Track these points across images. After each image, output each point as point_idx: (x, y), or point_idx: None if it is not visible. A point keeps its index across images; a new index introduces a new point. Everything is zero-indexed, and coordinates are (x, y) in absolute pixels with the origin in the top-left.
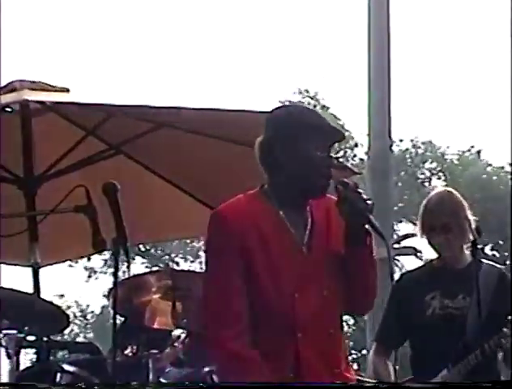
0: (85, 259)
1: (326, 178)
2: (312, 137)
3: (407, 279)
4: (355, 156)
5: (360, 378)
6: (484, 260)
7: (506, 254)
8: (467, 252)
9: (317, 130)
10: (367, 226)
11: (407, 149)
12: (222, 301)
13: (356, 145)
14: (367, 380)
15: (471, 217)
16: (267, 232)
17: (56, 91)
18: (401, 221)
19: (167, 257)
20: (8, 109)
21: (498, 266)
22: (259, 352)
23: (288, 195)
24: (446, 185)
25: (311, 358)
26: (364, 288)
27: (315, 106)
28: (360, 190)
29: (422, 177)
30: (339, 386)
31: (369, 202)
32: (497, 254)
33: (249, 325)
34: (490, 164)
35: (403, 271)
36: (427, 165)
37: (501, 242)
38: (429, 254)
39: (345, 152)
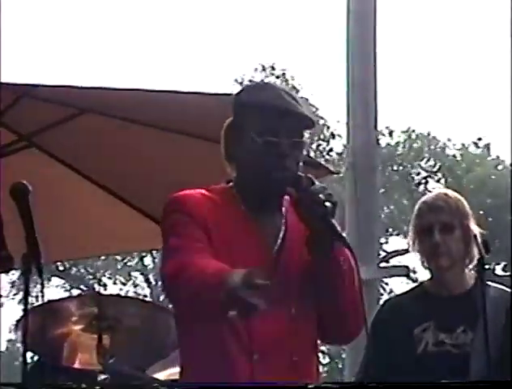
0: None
1: (282, 170)
2: (265, 121)
3: (391, 306)
4: (331, 150)
5: None
6: (491, 283)
7: None
8: (470, 273)
9: (271, 114)
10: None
11: (397, 143)
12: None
13: (332, 136)
14: None
15: (477, 229)
16: (232, 234)
17: None
18: (390, 233)
19: (91, 277)
20: None
21: (507, 289)
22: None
23: (251, 193)
24: (447, 188)
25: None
26: (337, 312)
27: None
28: (316, 189)
29: (417, 177)
30: (340, 387)
31: (328, 203)
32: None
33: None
34: (501, 162)
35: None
36: (423, 163)
37: None
38: (425, 275)
39: (318, 145)
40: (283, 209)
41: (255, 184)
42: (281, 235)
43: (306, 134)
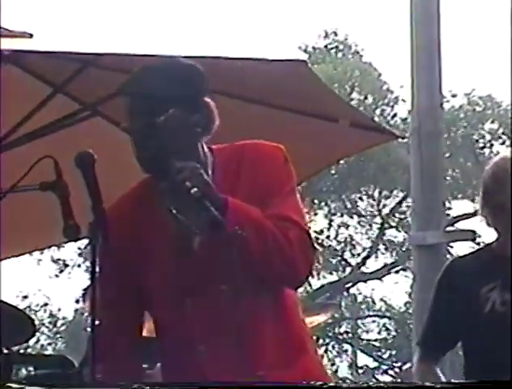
0: (54, 250)
1: (143, 151)
2: (125, 106)
3: (458, 266)
4: (395, 115)
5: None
6: None
7: None
8: None
9: (126, 97)
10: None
11: (461, 106)
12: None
13: (396, 101)
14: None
15: None
16: (146, 226)
17: (15, 36)
18: (455, 197)
19: None
20: None
21: None
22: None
23: (152, 181)
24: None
25: (221, 371)
26: (268, 267)
27: (344, 54)
28: (182, 176)
29: (481, 140)
30: (340, 387)
31: (194, 190)
32: None
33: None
34: None
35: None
36: (486, 126)
37: None
38: (491, 238)
39: (382, 111)
40: (196, 191)
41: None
42: (198, 217)
43: (173, 109)
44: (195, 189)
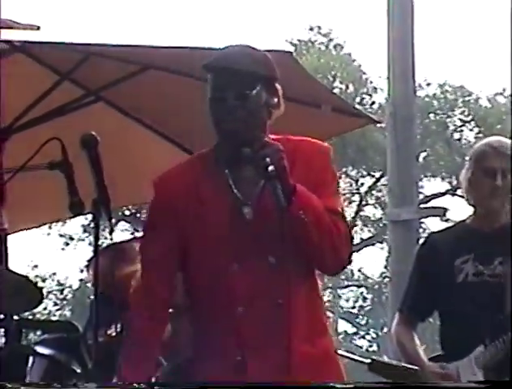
0: (60, 224)
1: (232, 122)
2: (211, 80)
3: (434, 240)
4: (373, 102)
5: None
6: None
7: None
8: (506, 209)
9: (211, 72)
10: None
11: (434, 94)
12: (146, 281)
13: (374, 90)
14: (344, 354)
15: None
16: (206, 195)
17: (25, 29)
18: (426, 177)
19: None
20: None
21: None
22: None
23: (226, 149)
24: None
25: (256, 335)
26: (318, 252)
27: (327, 46)
28: (264, 152)
29: (452, 126)
30: (340, 386)
31: (271, 167)
32: None
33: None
34: None
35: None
36: (457, 113)
37: None
38: (461, 216)
39: (362, 98)
40: (273, 169)
41: (220, 140)
42: (258, 189)
43: (258, 87)
44: (272, 168)
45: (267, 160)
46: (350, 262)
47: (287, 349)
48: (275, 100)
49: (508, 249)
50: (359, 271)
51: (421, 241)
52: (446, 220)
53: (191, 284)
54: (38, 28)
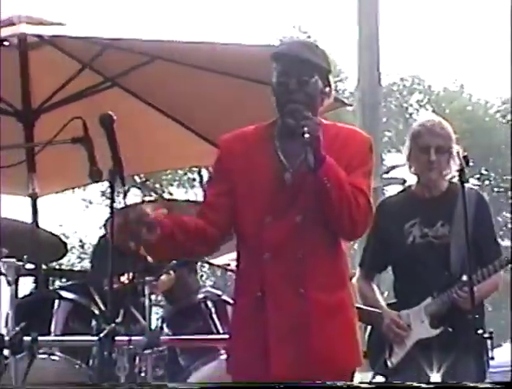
0: (82, 190)
1: (293, 102)
2: (276, 67)
3: (387, 205)
4: (345, 90)
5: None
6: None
7: (491, 182)
8: (445, 178)
9: (277, 60)
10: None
11: (394, 82)
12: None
13: (346, 79)
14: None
15: (457, 147)
16: (257, 159)
17: (52, 24)
18: (389, 151)
19: (160, 187)
20: (6, 43)
21: (475, 188)
22: (239, 273)
23: (280, 125)
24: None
25: (277, 279)
26: (336, 217)
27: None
28: (306, 123)
29: (410, 108)
30: (340, 386)
31: (307, 135)
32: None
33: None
34: (472, 97)
35: None
36: (414, 97)
37: (484, 172)
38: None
39: (336, 86)
40: (309, 136)
41: (280, 117)
42: (300, 160)
43: (316, 76)
44: (308, 135)
45: (305, 129)
46: (364, 232)
47: (302, 296)
48: (327, 89)
49: (448, 213)
50: None
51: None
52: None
53: (235, 229)
54: (63, 24)
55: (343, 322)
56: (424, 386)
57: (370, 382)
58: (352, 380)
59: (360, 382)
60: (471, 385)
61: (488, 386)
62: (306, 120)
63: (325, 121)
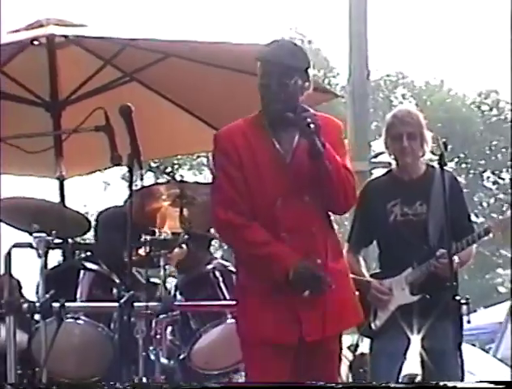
0: (104, 173)
1: (277, 103)
2: (260, 69)
3: (371, 186)
4: (337, 84)
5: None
6: (436, 167)
7: (467, 165)
8: (422, 162)
9: (261, 63)
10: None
11: (381, 78)
12: (221, 193)
13: (338, 74)
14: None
15: (429, 134)
16: (256, 148)
17: (76, 26)
18: (377, 139)
19: (172, 170)
20: (36, 42)
21: (448, 170)
22: None
23: (269, 119)
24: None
25: (296, 254)
26: (335, 195)
27: (302, 41)
28: (305, 114)
29: (395, 101)
30: (339, 386)
31: (312, 125)
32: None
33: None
34: (451, 91)
35: None
36: (399, 91)
37: (461, 155)
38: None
39: (329, 81)
40: (314, 126)
41: (267, 113)
42: (294, 146)
43: (296, 77)
44: (313, 125)
45: (308, 119)
46: (353, 205)
47: (321, 265)
48: (307, 84)
49: (425, 193)
50: None
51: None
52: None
53: (251, 210)
54: (85, 26)
55: (349, 284)
56: (427, 385)
57: (371, 382)
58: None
59: (361, 383)
60: (472, 385)
61: (489, 386)
62: (306, 112)
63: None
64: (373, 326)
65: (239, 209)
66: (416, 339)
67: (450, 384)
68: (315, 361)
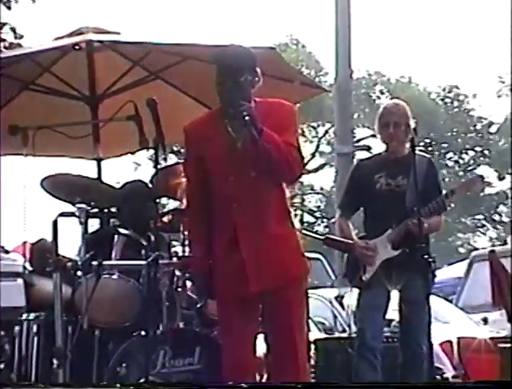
0: (134, 155)
1: (229, 97)
2: (216, 69)
3: (362, 163)
4: (326, 81)
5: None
6: (417, 152)
7: (432, 148)
8: (406, 146)
9: (217, 64)
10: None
11: (363, 77)
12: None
13: (326, 74)
14: (307, 233)
15: (412, 122)
16: (215, 136)
17: (110, 33)
18: (358, 127)
19: None
20: (77, 47)
21: (427, 155)
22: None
23: (226, 110)
24: (391, 100)
25: (245, 221)
26: (279, 168)
27: (296, 45)
28: (242, 108)
29: (373, 96)
30: (339, 386)
31: (247, 117)
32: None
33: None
34: (418, 86)
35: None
36: (377, 88)
37: (428, 140)
38: (377, 150)
39: (320, 79)
40: (248, 118)
41: (223, 107)
42: (244, 133)
43: (246, 74)
44: (248, 117)
45: (244, 113)
46: (300, 176)
47: (265, 229)
48: (256, 79)
49: (406, 170)
50: (320, 188)
51: (354, 164)
52: (371, 153)
53: (208, 189)
54: (119, 33)
55: (291, 244)
56: (424, 386)
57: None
58: (303, 285)
59: (361, 383)
60: (472, 385)
61: (490, 385)
62: (242, 107)
63: (259, 99)
64: (363, 278)
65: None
66: (395, 290)
67: (449, 383)
68: (273, 311)
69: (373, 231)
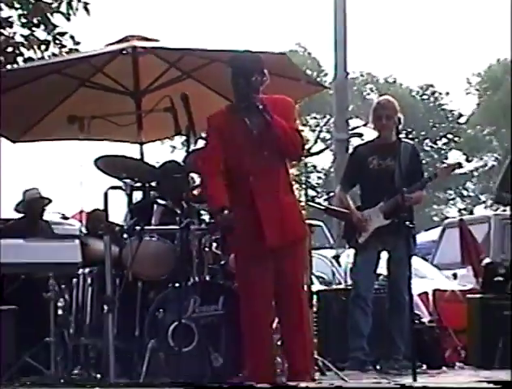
0: (171, 140)
1: (244, 98)
2: (231, 71)
3: (358, 148)
4: (326, 80)
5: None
6: (403, 139)
7: (411, 136)
8: (393, 134)
9: (231, 66)
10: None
11: (356, 77)
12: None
13: (325, 75)
14: (311, 204)
15: (400, 115)
16: (233, 125)
17: (151, 40)
18: (352, 118)
19: None
20: (124, 52)
21: (411, 142)
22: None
23: (241, 104)
24: (380, 97)
25: (260, 190)
26: (286, 147)
27: (304, 52)
28: (253, 100)
29: (364, 93)
30: (339, 386)
31: (261, 106)
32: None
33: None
34: (401, 86)
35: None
36: (368, 86)
37: (409, 129)
38: (369, 137)
39: (321, 79)
40: (261, 108)
41: (238, 101)
42: (259, 120)
43: (255, 74)
44: (260, 106)
45: (257, 103)
46: (302, 156)
47: (275, 197)
48: (264, 78)
49: (394, 153)
50: (319, 168)
51: (351, 149)
52: (363, 139)
53: (228, 166)
54: (158, 40)
55: (296, 211)
56: (428, 385)
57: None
58: (306, 245)
59: (361, 383)
60: (472, 385)
61: (489, 385)
62: (255, 99)
63: (265, 95)
64: (359, 241)
65: (211, 163)
66: (384, 251)
67: (451, 384)
68: (282, 266)
69: (367, 203)
